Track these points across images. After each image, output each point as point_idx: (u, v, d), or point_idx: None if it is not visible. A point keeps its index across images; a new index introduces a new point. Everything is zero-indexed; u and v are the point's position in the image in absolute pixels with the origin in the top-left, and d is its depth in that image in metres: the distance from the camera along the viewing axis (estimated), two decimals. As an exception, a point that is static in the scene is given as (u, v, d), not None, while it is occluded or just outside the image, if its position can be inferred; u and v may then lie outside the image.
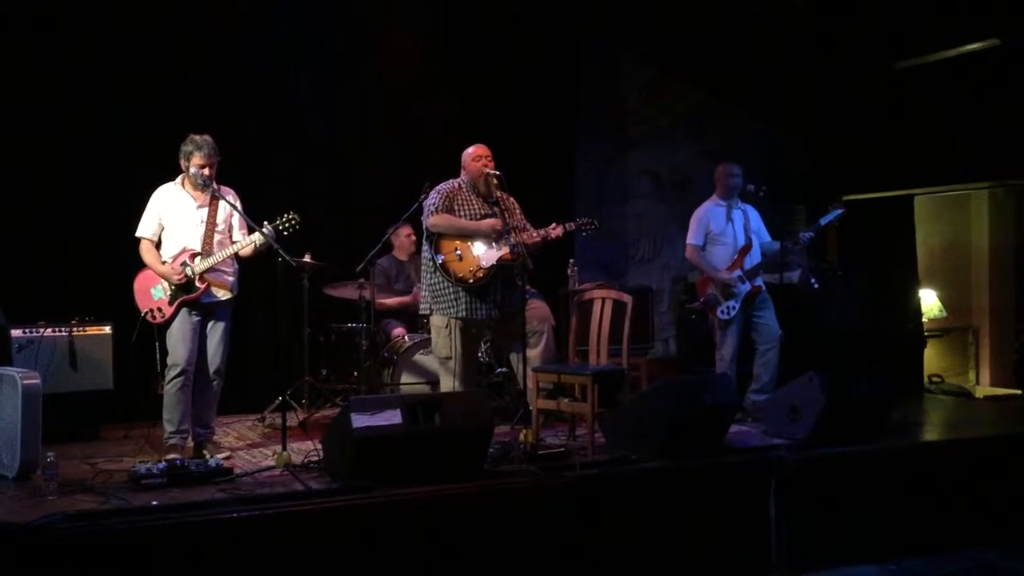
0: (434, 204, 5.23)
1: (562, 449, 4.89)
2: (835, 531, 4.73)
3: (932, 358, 8.38)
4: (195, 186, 4.96)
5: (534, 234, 5.24)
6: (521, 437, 4.84)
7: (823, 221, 6.09)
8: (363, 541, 3.85)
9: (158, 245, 5.00)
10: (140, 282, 5.00)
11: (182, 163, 4.96)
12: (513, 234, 5.13)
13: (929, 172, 7.77)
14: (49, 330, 5.47)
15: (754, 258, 6.09)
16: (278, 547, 3.71)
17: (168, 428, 4.90)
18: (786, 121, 8.34)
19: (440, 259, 5.16)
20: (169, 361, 4.90)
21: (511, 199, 5.38)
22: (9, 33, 5.82)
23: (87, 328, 5.58)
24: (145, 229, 4.98)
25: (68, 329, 5.52)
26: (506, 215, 5.24)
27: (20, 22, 5.84)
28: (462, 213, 5.26)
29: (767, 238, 6.22)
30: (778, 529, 4.63)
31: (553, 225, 5.28)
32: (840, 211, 6.09)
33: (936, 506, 4.95)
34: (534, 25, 7.47)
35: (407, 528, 3.92)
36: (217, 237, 4.99)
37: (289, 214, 4.95)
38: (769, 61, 7.86)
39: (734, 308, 5.99)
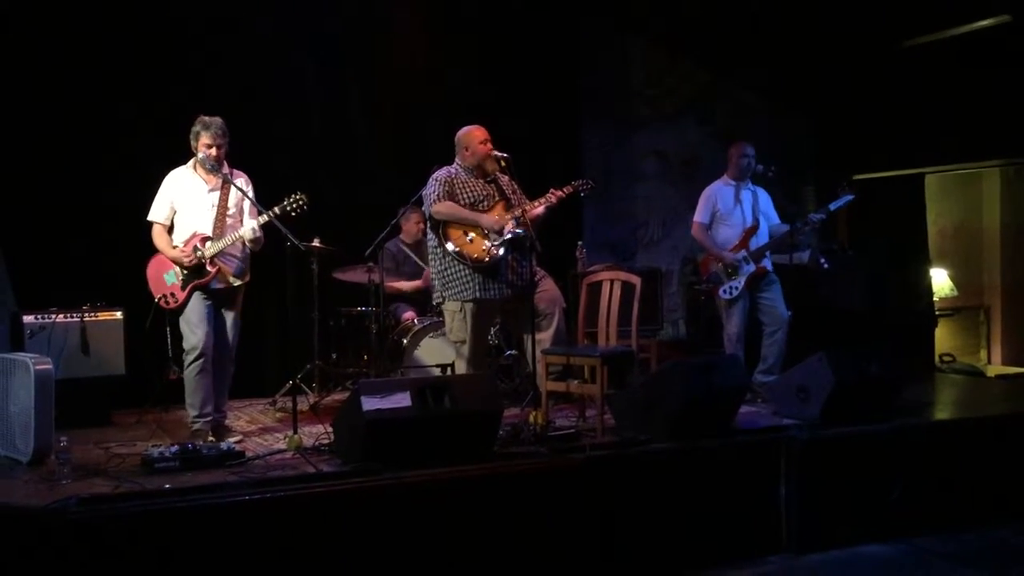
0: (435, 192, 5.22)
1: (571, 431, 4.89)
2: (845, 511, 4.74)
3: (943, 337, 8.37)
4: (206, 169, 4.93)
5: (536, 206, 5.24)
6: (531, 419, 4.85)
7: (832, 206, 6.06)
8: (374, 523, 3.87)
9: (170, 230, 4.97)
10: (153, 268, 4.99)
11: (192, 144, 4.92)
12: (519, 210, 5.13)
13: (940, 151, 7.72)
14: (61, 316, 5.49)
15: (760, 239, 6.08)
16: (290, 529, 3.74)
17: (192, 412, 4.90)
18: (794, 101, 8.29)
19: (451, 246, 5.16)
20: (186, 345, 4.88)
21: (510, 178, 5.37)
22: (17, 21, 5.82)
23: (99, 314, 5.59)
24: (157, 213, 4.95)
25: (80, 315, 5.53)
26: (506, 190, 5.23)
27: (28, 13, 5.84)
28: (464, 197, 5.25)
29: (776, 219, 6.20)
30: (788, 509, 4.64)
31: (551, 191, 5.28)
32: (850, 197, 6.06)
33: (947, 485, 4.95)
34: (537, 6, 7.44)
35: (417, 510, 3.94)
36: (228, 221, 4.96)
37: (296, 194, 4.86)
38: (776, 40, 7.80)
39: (736, 288, 5.98)
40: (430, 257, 5.40)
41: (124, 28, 6.08)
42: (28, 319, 5.42)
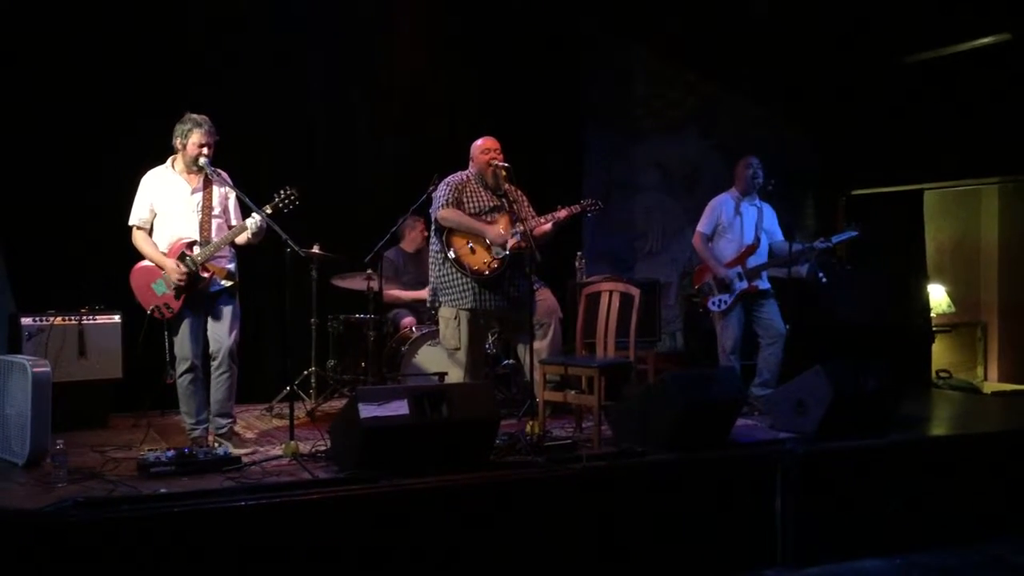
0: (444, 197, 5.24)
1: (568, 441, 4.90)
2: (841, 525, 4.73)
3: (940, 353, 8.38)
4: (188, 169, 4.78)
5: (543, 222, 5.25)
6: (528, 429, 4.86)
7: (835, 239, 6.11)
8: (370, 531, 3.86)
9: (150, 233, 4.83)
10: (138, 277, 4.83)
11: (177, 142, 4.76)
12: (522, 224, 5.14)
13: (939, 167, 7.75)
14: (59, 318, 5.48)
15: (759, 258, 6.08)
16: (285, 536, 3.73)
17: (188, 421, 4.89)
18: (796, 114, 8.32)
19: (452, 254, 5.17)
20: (177, 355, 4.84)
21: (519, 191, 5.39)
22: (24, 29, 5.82)
23: (97, 317, 5.59)
24: (137, 217, 4.80)
25: (78, 318, 5.53)
26: (514, 206, 5.25)
27: (35, 20, 5.85)
28: (471, 205, 5.26)
29: (780, 237, 6.20)
30: (784, 523, 4.64)
31: (558, 208, 5.29)
32: (854, 234, 6.13)
33: (943, 501, 4.96)
34: (542, 16, 7.46)
35: (413, 518, 3.93)
36: (216, 223, 4.82)
37: (286, 190, 4.78)
38: (778, 53, 7.83)
39: (725, 302, 6.00)
40: (430, 261, 5.41)
41: (126, 30, 6.07)
42: (26, 321, 5.42)
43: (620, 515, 4.32)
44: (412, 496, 3.95)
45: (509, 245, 5.15)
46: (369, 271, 6.15)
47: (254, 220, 4.76)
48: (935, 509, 4.93)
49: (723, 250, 6.13)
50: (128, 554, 3.50)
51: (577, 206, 5.33)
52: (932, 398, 7.05)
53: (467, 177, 5.35)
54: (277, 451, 4.67)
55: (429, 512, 3.97)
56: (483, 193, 5.31)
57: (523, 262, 5.13)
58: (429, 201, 5.45)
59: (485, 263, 5.16)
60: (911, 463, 4.96)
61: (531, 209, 5.42)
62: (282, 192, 4.81)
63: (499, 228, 5.20)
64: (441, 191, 5.28)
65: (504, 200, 5.27)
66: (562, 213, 5.28)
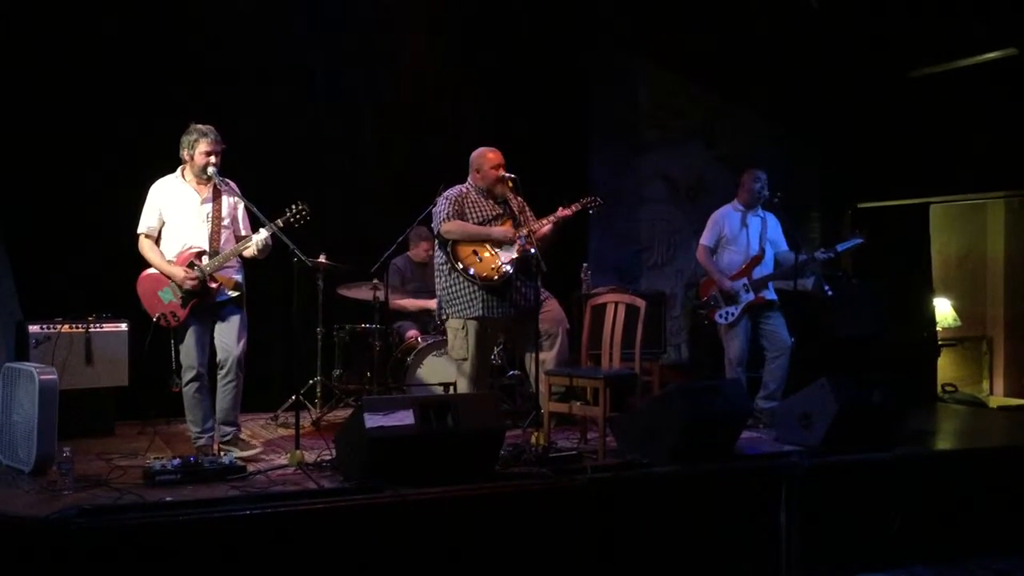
0: (445, 211, 5.24)
1: (573, 452, 4.90)
2: (846, 538, 4.72)
3: (946, 367, 8.36)
4: (198, 178, 4.82)
5: (543, 224, 5.25)
6: (533, 440, 4.86)
7: (840, 247, 6.10)
8: (374, 540, 3.87)
9: (157, 241, 4.87)
10: (145, 285, 4.86)
11: (185, 153, 4.81)
12: (525, 228, 5.15)
13: (945, 181, 7.74)
14: (66, 326, 5.50)
15: (765, 269, 6.08)
16: (290, 545, 3.74)
17: (194, 429, 4.89)
18: (802, 127, 8.32)
19: (460, 264, 5.18)
20: (183, 363, 4.85)
21: (519, 199, 5.40)
22: (19, 26, 5.83)
23: (104, 325, 5.61)
24: (145, 225, 4.84)
25: (85, 325, 5.55)
26: (515, 210, 5.27)
27: (31, 18, 5.88)
28: (473, 216, 5.28)
29: (784, 247, 6.20)
30: (788, 536, 4.63)
31: (558, 208, 5.30)
32: (859, 241, 6.12)
33: (948, 515, 4.94)
34: (548, 28, 7.50)
35: (418, 528, 3.94)
36: (224, 233, 4.86)
37: (298, 205, 4.81)
38: (785, 67, 7.85)
39: (732, 314, 6.00)
40: (436, 274, 5.42)
41: (130, 36, 6.10)
42: (33, 328, 5.44)
43: (624, 527, 4.32)
44: (417, 506, 3.95)
45: (516, 247, 5.16)
46: (375, 281, 6.17)
47: (260, 237, 4.80)
48: (940, 524, 4.91)
49: (728, 262, 6.13)
50: (133, 562, 3.51)
51: (577, 204, 5.33)
52: (937, 412, 7.04)
53: (467, 189, 5.36)
54: (282, 460, 4.67)
55: (434, 522, 3.97)
56: (484, 203, 5.33)
57: (530, 270, 5.14)
58: (431, 216, 5.45)
59: (494, 268, 5.16)
60: (916, 477, 4.95)
61: (532, 215, 5.43)
62: (293, 207, 4.84)
63: (504, 229, 5.22)
64: (441, 206, 5.28)
65: (506, 207, 5.30)
66: (563, 213, 5.28)
